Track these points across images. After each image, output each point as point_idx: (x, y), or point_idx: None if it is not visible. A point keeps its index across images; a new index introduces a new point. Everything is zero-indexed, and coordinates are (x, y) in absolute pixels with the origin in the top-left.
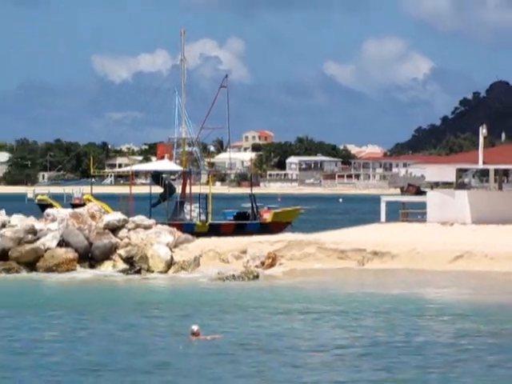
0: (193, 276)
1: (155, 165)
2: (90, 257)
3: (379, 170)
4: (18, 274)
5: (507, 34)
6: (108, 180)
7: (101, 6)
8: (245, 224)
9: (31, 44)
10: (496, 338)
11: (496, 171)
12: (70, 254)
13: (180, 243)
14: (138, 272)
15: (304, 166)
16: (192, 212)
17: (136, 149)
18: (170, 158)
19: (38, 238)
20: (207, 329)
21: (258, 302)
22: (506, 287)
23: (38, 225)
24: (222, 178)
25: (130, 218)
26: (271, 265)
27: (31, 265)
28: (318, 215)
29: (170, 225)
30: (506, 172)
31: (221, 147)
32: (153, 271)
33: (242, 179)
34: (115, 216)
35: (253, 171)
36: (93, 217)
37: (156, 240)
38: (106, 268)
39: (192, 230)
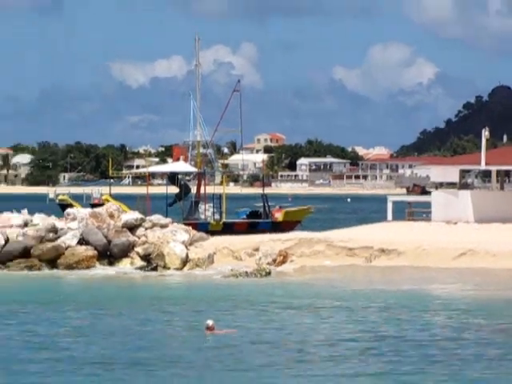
0: (207, 273)
1: (171, 166)
2: (108, 254)
3: (386, 171)
4: (40, 271)
5: (509, 40)
6: (126, 181)
7: (119, 15)
8: (257, 223)
9: (53, 51)
10: (500, 332)
11: (498, 172)
12: (90, 251)
13: (195, 241)
14: (155, 269)
15: (314, 167)
16: (206, 211)
17: (153, 151)
18: (186, 160)
19: (59, 237)
20: (221, 324)
21: (270, 298)
22: (509, 283)
23: (59, 224)
24: (235, 179)
25: (147, 217)
26: (282, 262)
27: (52, 262)
28: (327, 214)
29: (185, 224)
30: (507, 173)
31: (234, 149)
32: (169, 268)
33: (254, 180)
34: (133, 215)
35: (265, 172)
36: (111, 216)
37: (172, 238)
38: (124, 265)
39: (206, 229)
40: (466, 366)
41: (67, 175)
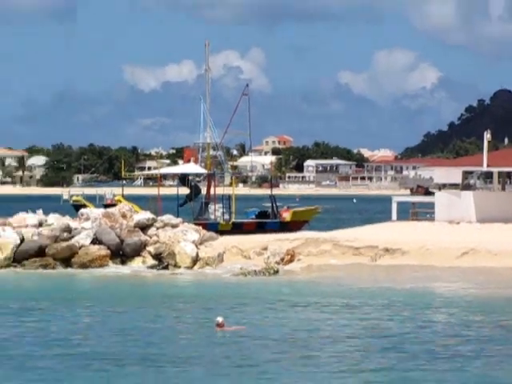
0: (217, 271)
1: (182, 168)
2: (121, 253)
3: (390, 173)
4: (54, 270)
5: (510, 45)
6: (138, 182)
7: (131, 21)
8: (265, 223)
9: (67, 56)
10: (501, 329)
11: (499, 173)
12: (103, 250)
13: (205, 241)
14: (166, 267)
15: (320, 168)
16: (216, 211)
17: (164, 153)
18: (196, 162)
19: (73, 236)
20: (230, 321)
21: (278, 296)
22: (511, 282)
23: (73, 224)
24: (244, 180)
25: (159, 217)
26: (290, 261)
27: (66, 261)
28: (334, 214)
29: (195, 223)
30: (508, 174)
31: (243, 151)
32: (180, 267)
33: (262, 181)
34: (145, 215)
35: (273, 173)
36: (124, 216)
37: (183, 238)
38: (137, 264)
39: (216, 229)
40: (467, 362)
41: (81, 176)
